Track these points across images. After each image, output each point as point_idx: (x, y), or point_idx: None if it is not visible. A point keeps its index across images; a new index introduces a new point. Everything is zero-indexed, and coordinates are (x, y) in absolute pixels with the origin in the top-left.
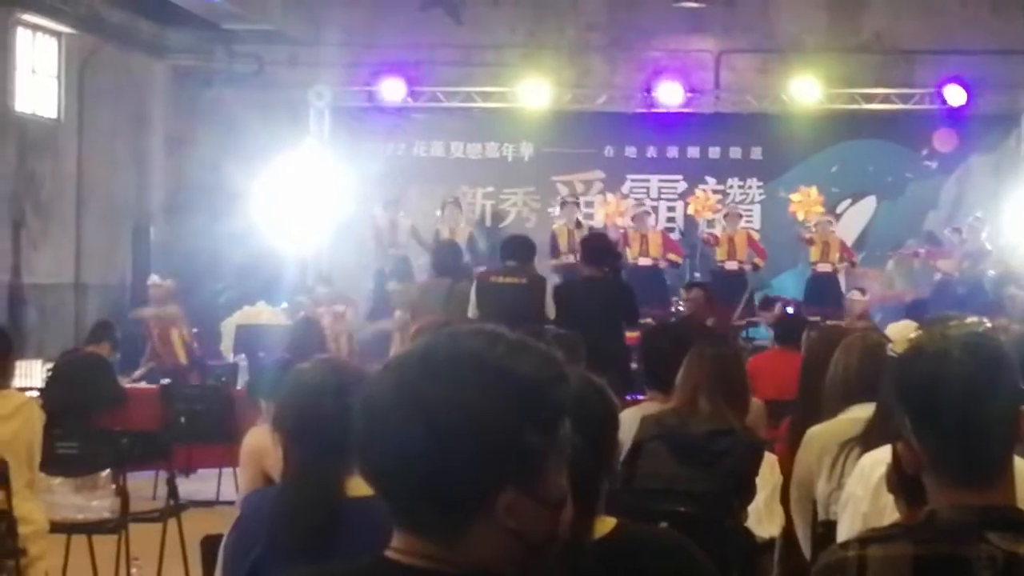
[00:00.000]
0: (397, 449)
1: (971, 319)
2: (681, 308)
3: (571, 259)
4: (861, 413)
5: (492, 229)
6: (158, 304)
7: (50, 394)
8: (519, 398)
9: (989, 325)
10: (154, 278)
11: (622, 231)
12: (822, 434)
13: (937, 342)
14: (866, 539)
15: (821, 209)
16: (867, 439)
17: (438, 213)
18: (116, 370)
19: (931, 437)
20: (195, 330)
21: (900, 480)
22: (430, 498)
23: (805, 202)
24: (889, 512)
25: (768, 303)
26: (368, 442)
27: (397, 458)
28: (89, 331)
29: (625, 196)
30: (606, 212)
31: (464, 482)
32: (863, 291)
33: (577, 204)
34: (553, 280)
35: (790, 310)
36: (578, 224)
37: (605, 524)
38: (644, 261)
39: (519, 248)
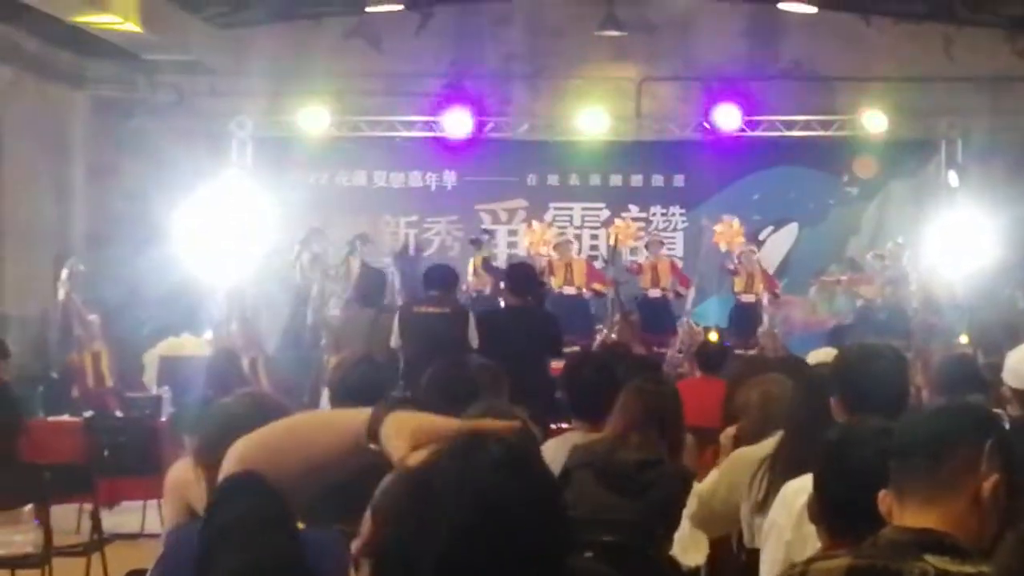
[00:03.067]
0: None
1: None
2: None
3: (484, 291)
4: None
5: (415, 258)
6: (84, 344)
7: None
8: None
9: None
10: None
11: (546, 260)
12: (747, 456)
13: None
14: (814, 558)
15: (742, 239)
16: (776, 458)
17: (346, 251)
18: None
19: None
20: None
21: (822, 510)
22: None
23: (727, 233)
24: (812, 541)
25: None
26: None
27: None
28: None
29: (550, 224)
30: (531, 240)
31: None
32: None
33: (481, 244)
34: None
35: (713, 337)
36: (484, 261)
37: None
38: (569, 290)
39: (442, 277)
